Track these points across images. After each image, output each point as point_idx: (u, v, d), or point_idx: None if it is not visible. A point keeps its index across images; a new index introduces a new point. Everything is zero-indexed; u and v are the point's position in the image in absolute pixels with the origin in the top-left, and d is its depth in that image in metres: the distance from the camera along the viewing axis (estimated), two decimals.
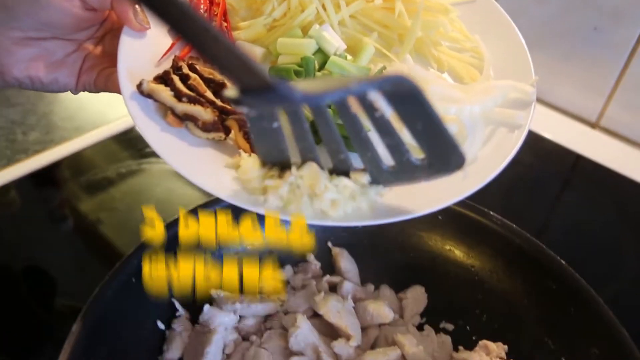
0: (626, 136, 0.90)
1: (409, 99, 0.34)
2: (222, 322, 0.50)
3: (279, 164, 0.39)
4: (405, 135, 0.37)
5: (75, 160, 0.77)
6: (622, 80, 0.86)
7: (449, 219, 0.58)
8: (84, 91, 0.49)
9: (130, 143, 0.79)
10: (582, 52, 0.88)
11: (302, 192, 0.38)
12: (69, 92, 0.48)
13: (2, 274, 0.62)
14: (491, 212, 0.56)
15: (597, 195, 0.79)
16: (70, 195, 0.73)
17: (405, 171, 0.38)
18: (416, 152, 0.38)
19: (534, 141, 0.87)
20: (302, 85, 0.33)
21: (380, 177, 0.39)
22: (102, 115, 0.84)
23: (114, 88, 0.45)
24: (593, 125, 0.93)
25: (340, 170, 0.39)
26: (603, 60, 0.86)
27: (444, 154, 0.37)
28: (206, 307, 0.51)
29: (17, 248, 0.64)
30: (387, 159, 0.38)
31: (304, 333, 0.50)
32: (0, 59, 0.44)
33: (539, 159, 0.85)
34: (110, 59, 0.47)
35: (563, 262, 0.51)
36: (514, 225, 0.54)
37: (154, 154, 0.48)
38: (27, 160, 0.76)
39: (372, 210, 0.40)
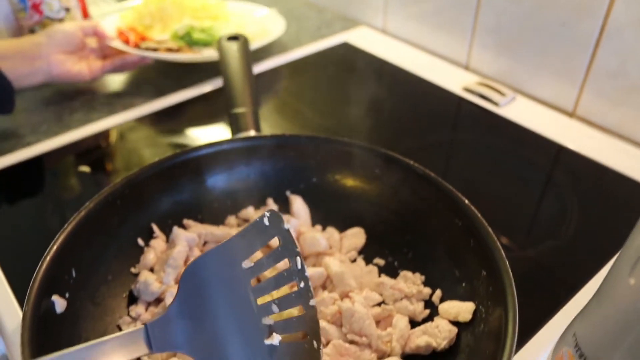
0: (599, 124, 0.96)
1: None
2: (186, 238, 0.63)
3: None
4: None
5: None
6: (591, 71, 0.93)
7: (383, 172, 0.68)
8: None
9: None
10: (554, 45, 0.96)
11: None
12: None
13: None
14: (414, 164, 0.66)
15: (574, 184, 0.85)
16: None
17: None
18: None
19: (518, 132, 0.95)
20: None
21: None
22: None
23: None
24: (570, 114, 1.00)
25: None
26: (573, 53, 0.94)
27: None
28: (175, 228, 0.65)
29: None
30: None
31: None
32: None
33: (523, 149, 0.92)
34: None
35: (466, 201, 0.60)
36: (432, 174, 0.64)
37: None
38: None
39: None
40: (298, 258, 0.50)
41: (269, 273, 0.55)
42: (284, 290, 0.53)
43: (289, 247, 0.50)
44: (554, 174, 0.87)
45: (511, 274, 0.53)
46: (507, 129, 0.96)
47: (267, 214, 0.49)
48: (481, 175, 0.85)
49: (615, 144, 0.92)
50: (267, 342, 0.48)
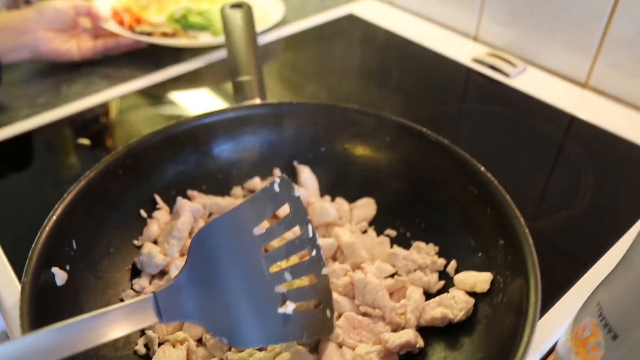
0: (613, 94, 0.93)
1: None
2: (190, 209, 0.61)
3: None
4: None
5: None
6: (605, 40, 0.90)
7: (395, 140, 0.66)
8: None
9: None
10: (567, 14, 0.93)
11: None
12: None
13: None
14: (427, 131, 0.63)
15: (587, 154, 0.82)
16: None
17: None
18: None
19: (529, 102, 0.92)
20: None
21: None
22: None
23: None
24: (583, 85, 0.97)
25: None
26: (586, 21, 0.91)
27: None
28: (179, 198, 0.62)
29: None
30: None
31: None
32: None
33: (535, 120, 0.89)
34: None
35: (482, 167, 0.58)
36: (446, 141, 0.62)
37: None
38: None
39: None
40: (309, 226, 0.49)
41: (280, 241, 0.53)
42: (296, 258, 0.51)
43: (299, 214, 0.48)
44: (567, 146, 0.84)
45: (531, 242, 0.51)
46: (518, 100, 0.93)
47: (277, 180, 0.48)
48: (492, 146, 0.83)
49: (630, 114, 0.89)
50: (281, 310, 0.46)
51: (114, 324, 0.39)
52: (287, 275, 0.48)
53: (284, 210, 0.48)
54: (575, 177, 0.77)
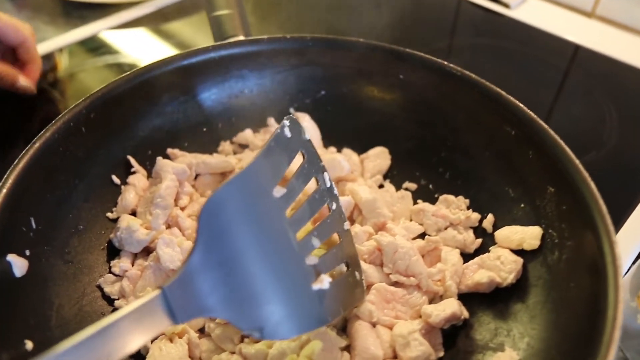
0: (623, 23, 0.86)
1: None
2: (173, 171, 0.50)
3: None
4: None
5: None
6: None
7: (410, 78, 0.56)
8: None
9: None
10: None
11: None
12: None
13: None
14: (448, 64, 0.54)
15: (596, 83, 0.76)
16: None
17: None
18: None
19: (532, 34, 0.84)
20: None
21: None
22: None
23: None
24: (589, 14, 0.89)
25: None
26: None
27: None
28: (158, 159, 0.51)
29: None
30: None
31: None
32: None
33: (538, 51, 0.81)
34: None
35: (521, 105, 0.49)
36: (473, 75, 0.52)
37: None
38: None
39: None
40: (325, 174, 0.42)
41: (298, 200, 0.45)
42: (319, 216, 0.44)
43: (313, 161, 0.41)
44: (577, 77, 0.77)
45: (594, 188, 0.42)
46: (521, 32, 0.85)
47: (287, 123, 0.39)
48: (494, 83, 0.74)
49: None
50: (316, 287, 0.38)
51: (122, 337, 0.29)
52: (315, 241, 0.39)
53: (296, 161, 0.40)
54: (589, 109, 0.70)
